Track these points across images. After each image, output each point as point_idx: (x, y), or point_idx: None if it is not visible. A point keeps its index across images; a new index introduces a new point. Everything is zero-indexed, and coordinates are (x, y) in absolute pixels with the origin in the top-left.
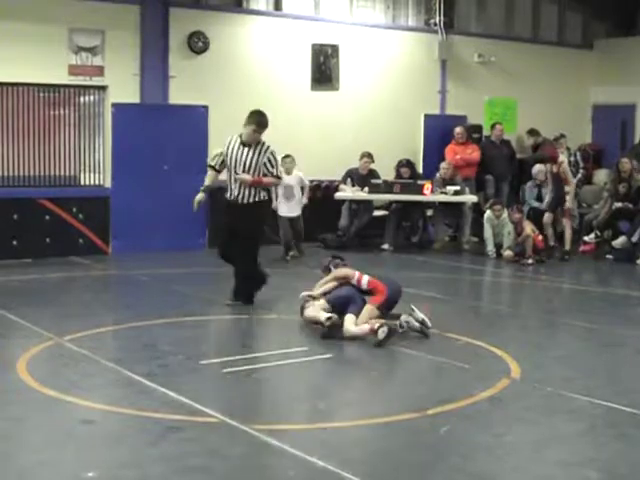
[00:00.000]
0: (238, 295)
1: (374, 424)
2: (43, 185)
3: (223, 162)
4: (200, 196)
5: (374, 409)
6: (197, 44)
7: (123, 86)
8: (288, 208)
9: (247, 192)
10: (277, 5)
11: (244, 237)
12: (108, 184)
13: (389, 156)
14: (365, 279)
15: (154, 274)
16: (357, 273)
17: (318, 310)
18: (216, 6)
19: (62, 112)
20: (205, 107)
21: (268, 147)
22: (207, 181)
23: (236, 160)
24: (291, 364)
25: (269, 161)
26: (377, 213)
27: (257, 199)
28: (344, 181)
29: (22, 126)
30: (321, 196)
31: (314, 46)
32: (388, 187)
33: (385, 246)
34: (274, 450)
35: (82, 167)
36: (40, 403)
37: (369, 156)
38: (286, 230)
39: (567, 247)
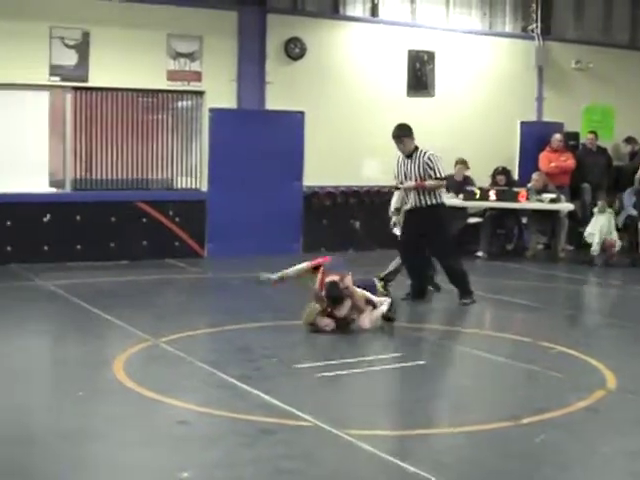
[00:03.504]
0: (417, 294)
1: (467, 432)
2: (141, 188)
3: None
4: (395, 218)
5: (467, 416)
6: (294, 50)
7: (220, 92)
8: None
9: (419, 199)
10: (374, 11)
11: (431, 239)
12: (204, 188)
13: (484, 163)
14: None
15: (249, 278)
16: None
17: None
18: (313, 12)
19: (160, 117)
20: (301, 113)
21: (425, 153)
22: (395, 203)
23: (404, 173)
24: (384, 370)
25: (427, 165)
26: (471, 220)
27: (431, 203)
28: None
29: (121, 130)
30: None
31: (410, 52)
32: (483, 194)
33: (479, 253)
34: (366, 455)
35: (179, 171)
36: (136, 403)
37: (464, 163)
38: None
39: None
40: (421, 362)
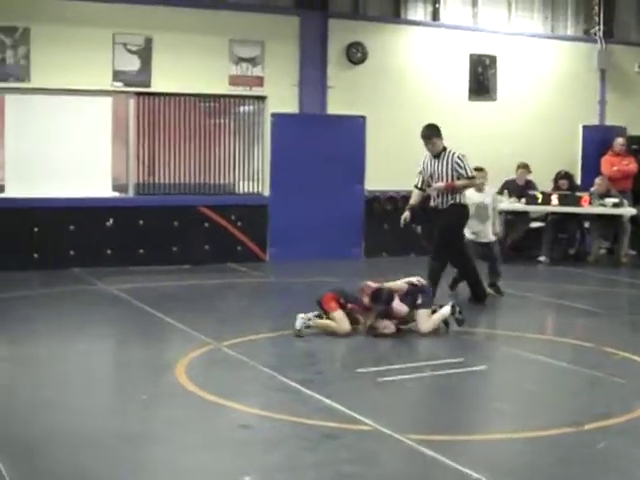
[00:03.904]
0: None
1: (528, 437)
2: (203, 193)
3: (424, 180)
4: (406, 214)
5: (528, 422)
6: (355, 55)
7: (282, 96)
8: (478, 232)
9: (444, 198)
10: (435, 15)
11: (441, 239)
12: (266, 192)
13: (546, 167)
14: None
15: (310, 282)
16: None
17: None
18: (374, 17)
19: (222, 121)
20: (363, 117)
21: (454, 153)
22: (412, 200)
23: (431, 173)
24: (445, 375)
25: (457, 165)
26: (534, 225)
27: (452, 202)
28: (501, 192)
29: (183, 135)
30: None
31: (472, 56)
32: (545, 198)
33: (542, 258)
34: (427, 460)
35: (241, 175)
36: (198, 407)
37: (526, 167)
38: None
39: None
40: (482, 367)
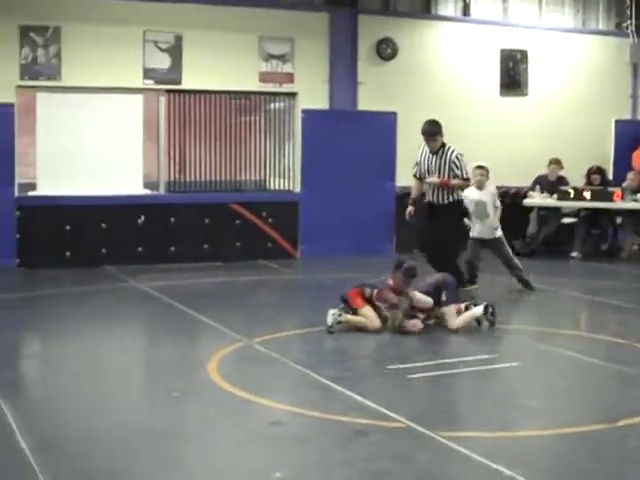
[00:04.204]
0: None
1: (561, 434)
2: (234, 190)
3: (421, 172)
4: (410, 209)
5: (561, 418)
6: (386, 50)
7: (312, 93)
8: (480, 229)
9: (440, 194)
10: (465, 11)
11: (439, 238)
12: (297, 189)
13: (578, 162)
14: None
15: (341, 279)
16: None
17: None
18: (405, 12)
19: (252, 119)
20: (394, 113)
21: (452, 151)
22: (413, 193)
23: (427, 167)
24: (478, 371)
25: (454, 164)
26: (566, 220)
27: (450, 200)
28: (533, 188)
29: (214, 132)
30: (509, 203)
31: (503, 51)
32: (577, 194)
33: (574, 254)
34: (460, 457)
35: (272, 172)
36: (230, 404)
37: (558, 162)
38: (473, 253)
39: None
40: (514, 363)
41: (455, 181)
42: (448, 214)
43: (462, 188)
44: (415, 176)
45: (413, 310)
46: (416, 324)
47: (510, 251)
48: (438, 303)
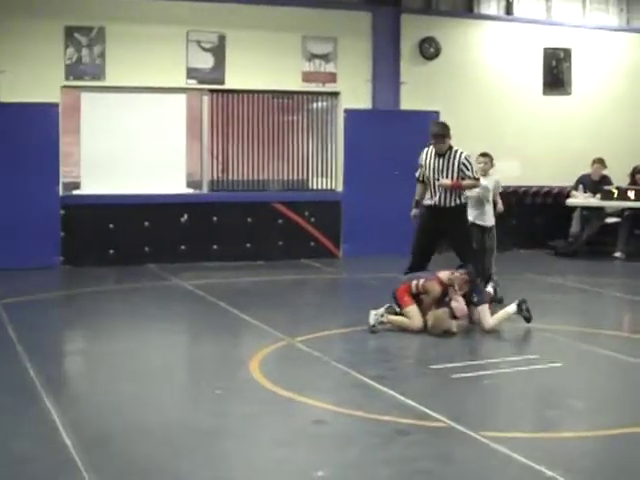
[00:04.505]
0: None
1: (604, 435)
2: (276, 189)
3: (423, 174)
4: (415, 211)
5: (604, 420)
6: (428, 50)
7: (355, 92)
8: (480, 215)
9: (448, 197)
10: (508, 9)
11: (458, 240)
12: (340, 188)
13: (622, 162)
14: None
15: (384, 278)
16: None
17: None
18: (447, 12)
19: (295, 118)
20: (436, 113)
21: (461, 153)
22: (417, 195)
23: (434, 169)
24: (520, 371)
25: (464, 165)
26: (609, 220)
27: (457, 202)
28: (576, 187)
29: (257, 132)
30: (552, 202)
31: (546, 50)
32: (621, 194)
33: (617, 254)
34: (501, 457)
35: (314, 171)
36: (272, 402)
37: (601, 162)
38: (477, 240)
39: None
40: (557, 364)
41: (466, 181)
42: (457, 216)
43: (473, 188)
44: (418, 179)
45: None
46: (458, 324)
47: (495, 249)
48: (470, 304)
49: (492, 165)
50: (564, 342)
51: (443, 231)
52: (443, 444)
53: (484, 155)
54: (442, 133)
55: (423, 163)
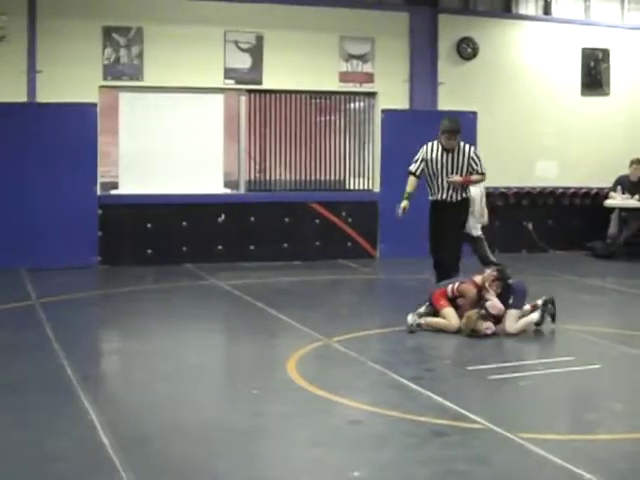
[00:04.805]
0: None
1: None
2: (314, 189)
3: (422, 170)
4: (405, 203)
5: None
6: (466, 50)
7: (392, 93)
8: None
9: (455, 192)
10: (546, 9)
11: (450, 233)
12: (377, 189)
13: None
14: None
15: (420, 279)
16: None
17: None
18: (485, 12)
19: (332, 118)
20: (474, 113)
21: (470, 147)
22: (409, 188)
23: (442, 165)
24: (558, 373)
25: (473, 160)
26: None
27: (462, 197)
28: (614, 188)
29: (294, 132)
30: (590, 203)
31: (584, 50)
32: None
33: None
34: (539, 459)
35: (351, 172)
36: (308, 402)
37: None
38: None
39: None
40: (595, 366)
41: (474, 176)
42: (460, 211)
43: (480, 182)
44: (415, 174)
45: (487, 314)
46: (490, 326)
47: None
48: (505, 306)
49: None
50: (601, 344)
51: (444, 225)
52: (479, 445)
53: None
54: (455, 128)
55: (427, 158)
